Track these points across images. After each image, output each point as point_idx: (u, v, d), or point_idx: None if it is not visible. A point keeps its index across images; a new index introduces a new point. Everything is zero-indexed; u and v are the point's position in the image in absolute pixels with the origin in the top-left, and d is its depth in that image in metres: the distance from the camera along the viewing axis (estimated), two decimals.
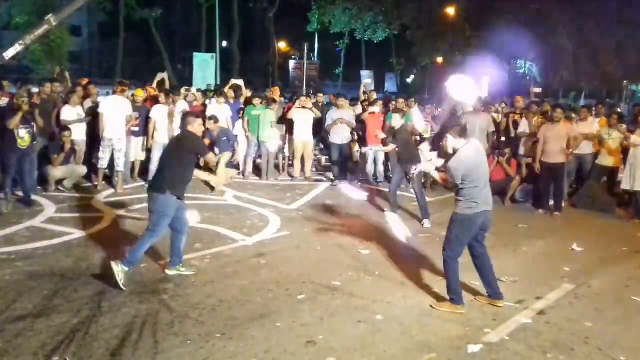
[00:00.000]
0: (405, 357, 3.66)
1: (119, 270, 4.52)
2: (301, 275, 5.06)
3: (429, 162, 4.73)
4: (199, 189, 8.71)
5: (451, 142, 4.32)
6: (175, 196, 4.77)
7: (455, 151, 4.32)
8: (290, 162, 10.42)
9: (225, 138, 8.79)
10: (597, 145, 8.38)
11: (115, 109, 8.20)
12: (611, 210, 8.06)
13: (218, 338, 3.79)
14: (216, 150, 8.31)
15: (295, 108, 9.78)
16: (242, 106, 10.20)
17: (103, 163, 8.27)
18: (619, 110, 12.89)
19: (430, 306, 4.49)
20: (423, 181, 9.42)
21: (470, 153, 4.29)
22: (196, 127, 4.90)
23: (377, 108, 9.60)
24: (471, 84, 4.94)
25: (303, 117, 9.65)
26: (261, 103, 9.78)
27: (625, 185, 7.70)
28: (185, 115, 5.11)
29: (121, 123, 8.20)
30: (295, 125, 9.66)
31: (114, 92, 8.71)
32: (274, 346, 3.71)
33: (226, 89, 10.51)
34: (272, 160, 10.01)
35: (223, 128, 8.65)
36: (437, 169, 4.65)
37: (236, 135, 9.74)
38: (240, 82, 11.16)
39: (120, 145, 8.22)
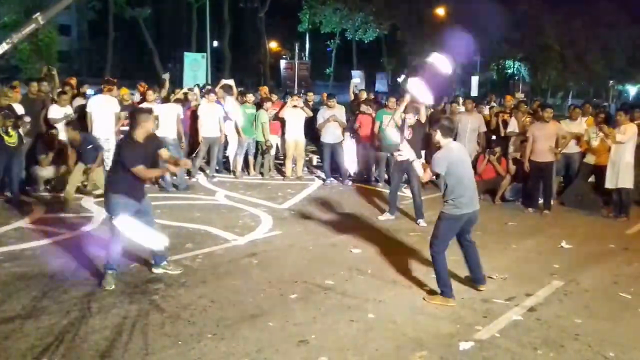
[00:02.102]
0: (397, 355, 3.67)
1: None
2: (293, 275, 5.05)
3: (410, 151, 4.82)
4: (191, 189, 8.69)
5: (439, 137, 4.60)
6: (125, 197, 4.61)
7: (440, 146, 4.61)
8: (282, 161, 10.42)
9: (90, 146, 7.55)
10: (584, 144, 8.46)
11: (103, 108, 8.18)
12: (599, 208, 8.15)
13: (210, 338, 3.77)
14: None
15: (286, 107, 9.77)
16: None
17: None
18: (607, 107, 13.02)
19: (423, 299, 4.54)
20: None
21: (454, 148, 4.60)
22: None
23: (366, 108, 9.63)
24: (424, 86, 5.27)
25: (294, 116, 9.65)
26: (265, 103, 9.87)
27: (608, 184, 7.77)
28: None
29: (109, 122, 8.18)
30: (287, 124, 9.66)
31: (101, 91, 8.67)
32: (266, 346, 3.70)
33: (217, 89, 10.47)
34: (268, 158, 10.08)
35: (85, 134, 7.68)
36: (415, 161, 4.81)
37: (226, 135, 9.69)
38: (231, 82, 11.12)
39: (109, 145, 8.18)
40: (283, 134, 9.90)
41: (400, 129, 6.93)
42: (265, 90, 11.38)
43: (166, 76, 10.69)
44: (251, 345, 3.70)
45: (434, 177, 4.73)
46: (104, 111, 8.18)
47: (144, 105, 8.68)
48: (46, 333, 3.75)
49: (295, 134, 9.65)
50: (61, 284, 4.61)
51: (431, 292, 4.66)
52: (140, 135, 4.57)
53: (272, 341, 3.76)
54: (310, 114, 9.87)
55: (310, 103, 10.93)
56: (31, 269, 4.93)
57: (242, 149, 9.83)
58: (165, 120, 8.41)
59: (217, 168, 9.80)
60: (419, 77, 5.38)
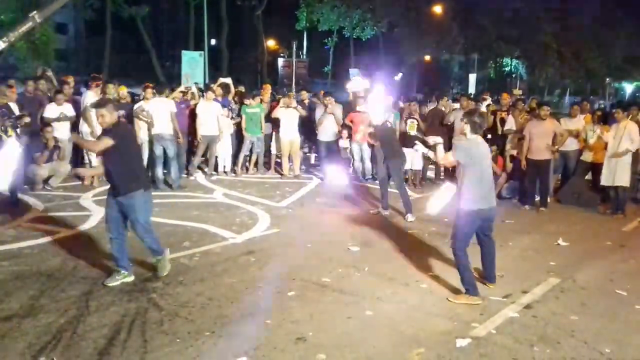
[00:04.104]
0: (395, 352, 3.69)
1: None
2: (290, 272, 5.06)
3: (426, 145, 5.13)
4: (188, 187, 8.70)
5: (467, 131, 4.60)
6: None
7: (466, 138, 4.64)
8: (279, 160, 10.43)
9: None
10: (582, 142, 8.49)
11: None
12: (595, 205, 8.18)
13: (207, 336, 3.78)
14: None
15: (279, 107, 9.77)
16: (230, 105, 10.17)
17: (90, 158, 8.46)
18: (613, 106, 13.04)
19: (447, 299, 4.55)
20: (412, 178, 9.50)
21: (480, 143, 4.62)
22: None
23: (360, 106, 9.63)
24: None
25: (288, 115, 9.65)
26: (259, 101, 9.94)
27: (604, 182, 7.80)
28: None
29: (92, 117, 8.30)
30: (282, 123, 9.66)
31: (89, 88, 8.75)
32: (264, 343, 3.71)
33: (214, 87, 10.47)
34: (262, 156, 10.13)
35: None
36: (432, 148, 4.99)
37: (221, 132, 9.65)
38: (228, 80, 11.12)
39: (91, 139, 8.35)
40: (278, 133, 9.91)
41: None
42: (267, 88, 11.39)
43: (187, 76, 10.75)
44: (249, 342, 3.71)
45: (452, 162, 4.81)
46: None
47: (141, 103, 8.68)
48: (44, 331, 3.76)
49: (290, 134, 9.66)
50: (59, 282, 4.61)
51: (429, 293, 4.68)
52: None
53: (270, 338, 3.78)
54: (304, 113, 9.87)
55: (306, 102, 10.92)
56: (29, 267, 4.93)
57: (246, 148, 9.84)
58: (158, 116, 8.45)
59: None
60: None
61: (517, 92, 21.33)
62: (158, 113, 8.43)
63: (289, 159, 9.98)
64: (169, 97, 9.09)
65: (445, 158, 4.81)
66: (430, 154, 5.05)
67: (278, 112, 9.70)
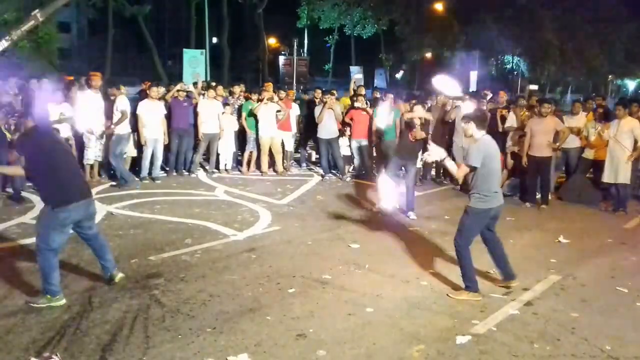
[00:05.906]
0: (395, 348, 3.71)
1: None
2: (292, 269, 5.09)
3: (439, 150, 4.65)
4: (189, 185, 8.73)
5: (474, 129, 4.48)
6: None
7: (474, 139, 4.50)
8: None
9: None
10: (584, 139, 8.49)
11: (89, 102, 8.39)
12: (596, 202, 8.19)
13: (209, 332, 3.81)
14: None
15: (260, 104, 9.75)
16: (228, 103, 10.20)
17: (88, 156, 8.50)
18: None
19: (447, 295, 4.55)
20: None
21: (488, 141, 4.50)
22: None
23: (359, 103, 9.64)
24: (452, 80, 5.41)
25: (266, 112, 9.63)
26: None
27: (606, 179, 7.80)
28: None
29: (91, 116, 8.36)
30: (260, 121, 9.61)
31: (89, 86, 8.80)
32: (265, 340, 3.73)
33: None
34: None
35: None
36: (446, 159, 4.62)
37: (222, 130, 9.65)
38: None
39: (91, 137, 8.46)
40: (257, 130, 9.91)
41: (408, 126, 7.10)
42: (269, 86, 11.39)
43: (197, 75, 10.77)
44: (250, 339, 3.74)
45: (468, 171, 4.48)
46: (88, 106, 8.39)
47: (145, 102, 8.67)
48: (48, 327, 3.79)
49: (270, 131, 9.64)
50: (62, 278, 4.59)
51: (430, 291, 4.70)
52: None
53: (271, 335, 3.80)
54: (286, 109, 9.83)
55: (317, 100, 10.90)
56: (33, 264, 4.94)
57: (250, 145, 9.85)
58: (153, 118, 8.58)
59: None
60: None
61: (532, 87, 21.20)
62: (153, 114, 8.57)
63: (272, 156, 9.91)
64: (169, 95, 9.18)
65: (460, 171, 4.54)
66: (446, 157, 4.63)
67: (258, 109, 9.59)
